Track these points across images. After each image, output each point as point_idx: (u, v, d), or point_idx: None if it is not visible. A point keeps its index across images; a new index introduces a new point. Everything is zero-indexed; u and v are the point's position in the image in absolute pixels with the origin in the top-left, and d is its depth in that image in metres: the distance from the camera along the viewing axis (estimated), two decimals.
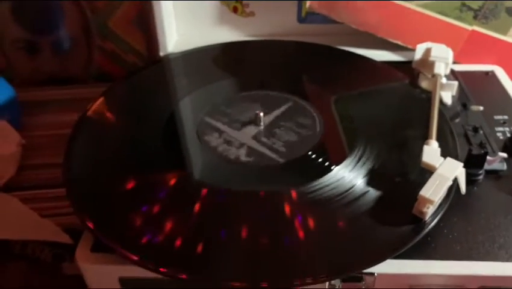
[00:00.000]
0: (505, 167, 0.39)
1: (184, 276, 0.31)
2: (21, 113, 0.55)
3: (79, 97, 0.58)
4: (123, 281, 0.34)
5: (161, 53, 0.54)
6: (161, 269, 0.31)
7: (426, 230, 0.32)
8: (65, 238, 0.43)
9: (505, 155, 0.39)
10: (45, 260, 0.46)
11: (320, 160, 0.38)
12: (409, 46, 0.53)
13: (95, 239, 0.34)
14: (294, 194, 0.35)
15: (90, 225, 0.33)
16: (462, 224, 0.35)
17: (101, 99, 0.46)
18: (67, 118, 0.45)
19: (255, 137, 0.41)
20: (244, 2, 0.57)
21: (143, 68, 0.53)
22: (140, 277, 0.33)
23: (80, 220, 0.34)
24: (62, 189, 0.37)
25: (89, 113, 0.44)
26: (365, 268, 0.31)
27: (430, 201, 0.31)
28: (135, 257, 0.31)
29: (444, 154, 0.35)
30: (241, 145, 0.40)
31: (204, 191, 0.36)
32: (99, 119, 0.44)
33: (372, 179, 0.36)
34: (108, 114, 0.45)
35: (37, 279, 0.45)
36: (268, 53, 0.54)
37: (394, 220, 0.33)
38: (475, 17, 0.52)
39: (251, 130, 0.42)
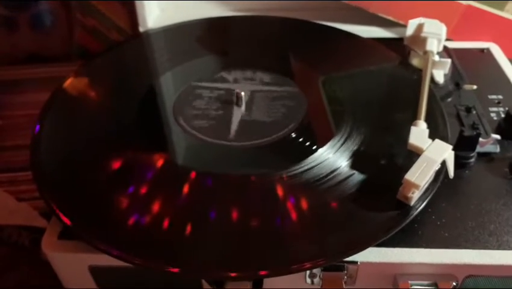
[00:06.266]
0: (498, 149, 0.37)
1: (175, 270, 0.28)
2: None
3: (59, 76, 0.56)
4: (93, 270, 0.32)
5: (141, 29, 0.52)
6: (148, 263, 0.29)
7: (412, 216, 0.30)
8: (42, 222, 0.42)
9: (498, 136, 0.37)
10: (23, 245, 0.44)
11: (304, 141, 0.36)
12: (401, 22, 0.51)
13: (63, 226, 0.32)
14: (275, 176, 0.33)
15: (67, 221, 0.31)
16: (451, 209, 0.33)
17: (73, 76, 0.44)
18: (46, 97, 0.43)
19: (237, 117, 0.39)
20: None
21: (119, 45, 0.50)
22: (112, 266, 0.31)
23: (48, 207, 0.32)
24: None
25: (60, 90, 0.42)
26: (346, 257, 0.29)
27: (416, 186, 0.30)
28: (117, 252, 0.29)
29: (434, 136, 0.33)
30: (223, 125, 0.38)
31: (185, 173, 0.34)
32: (70, 97, 0.42)
33: (357, 162, 0.34)
34: (81, 92, 0.43)
35: (17, 264, 0.44)
36: (252, 30, 0.52)
37: (379, 205, 0.31)
38: None
39: (232, 109, 0.40)
